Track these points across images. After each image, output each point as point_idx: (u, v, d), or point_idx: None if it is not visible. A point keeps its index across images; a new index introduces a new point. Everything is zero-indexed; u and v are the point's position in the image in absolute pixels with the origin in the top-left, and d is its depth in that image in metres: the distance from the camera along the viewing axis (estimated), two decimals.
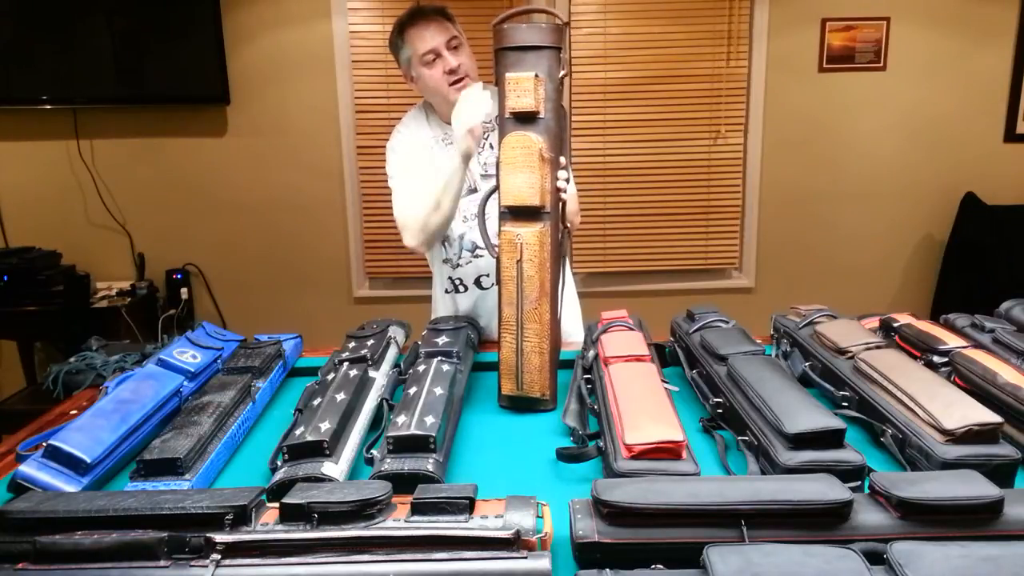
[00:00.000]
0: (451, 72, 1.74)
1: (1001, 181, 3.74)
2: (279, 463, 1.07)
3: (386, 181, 1.87)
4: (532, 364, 1.37)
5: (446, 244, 1.92)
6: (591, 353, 1.42)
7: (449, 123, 1.73)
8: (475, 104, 1.60)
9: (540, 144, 1.33)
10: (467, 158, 1.62)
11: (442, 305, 2.00)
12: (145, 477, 1.05)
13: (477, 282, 1.92)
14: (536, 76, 1.32)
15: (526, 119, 1.35)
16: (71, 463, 1.05)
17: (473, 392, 1.47)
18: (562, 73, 1.37)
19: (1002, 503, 0.81)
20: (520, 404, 1.40)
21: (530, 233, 1.35)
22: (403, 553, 0.76)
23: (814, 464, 0.98)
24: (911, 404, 1.10)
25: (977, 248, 3.62)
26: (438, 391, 1.20)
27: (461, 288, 1.94)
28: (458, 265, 1.91)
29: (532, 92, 1.32)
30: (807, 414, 1.04)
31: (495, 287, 1.44)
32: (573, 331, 1.91)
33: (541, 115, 1.34)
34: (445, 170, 1.66)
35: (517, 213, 1.37)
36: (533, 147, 1.33)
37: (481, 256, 1.89)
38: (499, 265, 1.39)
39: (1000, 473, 0.98)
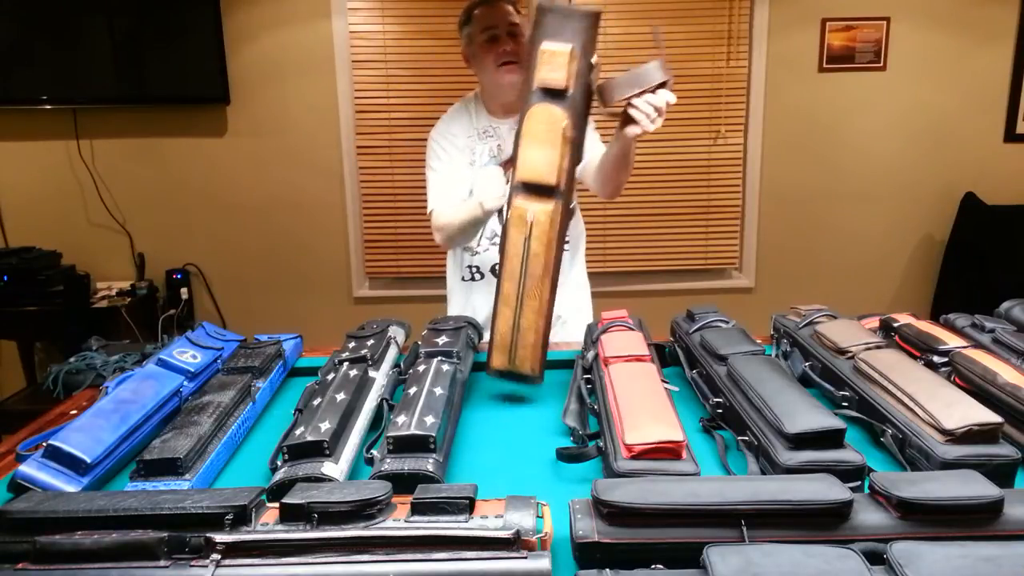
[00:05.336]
0: (503, 53, 1.81)
1: (1001, 181, 3.74)
2: (279, 463, 1.07)
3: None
4: (527, 340, 1.36)
5: None
6: (591, 353, 1.42)
7: (495, 114, 1.90)
8: (496, 185, 1.68)
9: (565, 121, 1.30)
10: (489, 214, 1.73)
11: (457, 294, 2.03)
12: (145, 477, 1.05)
13: (493, 270, 1.93)
14: (572, 50, 1.29)
15: (555, 94, 1.31)
16: (71, 463, 1.05)
17: (473, 392, 1.47)
18: (594, 59, 1.35)
19: (1002, 503, 0.80)
20: (509, 377, 1.41)
21: (541, 211, 1.33)
22: (403, 553, 0.76)
23: (814, 464, 0.98)
24: (911, 404, 1.10)
25: (977, 248, 3.62)
26: (438, 391, 1.20)
27: (477, 276, 1.97)
28: (476, 252, 1.96)
29: (565, 67, 1.28)
30: (807, 414, 1.04)
31: None
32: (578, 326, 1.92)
33: (569, 91, 1.30)
34: (474, 209, 1.74)
35: (530, 189, 1.34)
36: (557, 123, 1.29)
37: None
38: (504, 238, 1.37)
39: (1000, 473, 0.98)
